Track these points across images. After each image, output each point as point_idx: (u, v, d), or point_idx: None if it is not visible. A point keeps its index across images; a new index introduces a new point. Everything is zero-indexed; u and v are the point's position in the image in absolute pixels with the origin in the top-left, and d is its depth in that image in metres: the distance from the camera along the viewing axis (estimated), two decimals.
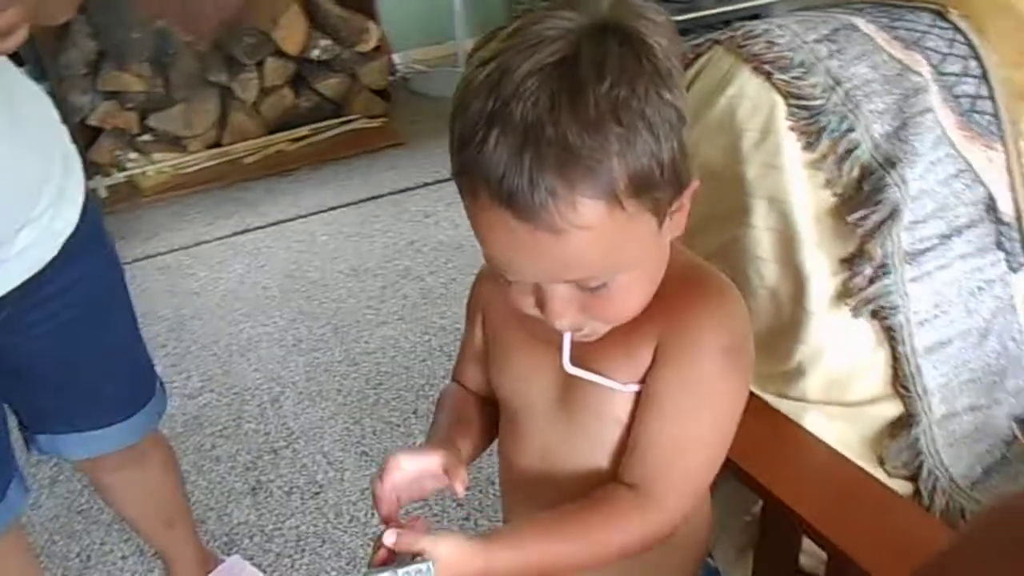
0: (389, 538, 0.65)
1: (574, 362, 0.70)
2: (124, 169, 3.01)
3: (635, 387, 0.69)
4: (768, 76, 0.95)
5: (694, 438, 0.68)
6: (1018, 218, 1.01)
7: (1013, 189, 1.01)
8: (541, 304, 0.62)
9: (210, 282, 2.51)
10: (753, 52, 0.96)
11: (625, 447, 0.70)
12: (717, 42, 1.01)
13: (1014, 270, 1.01)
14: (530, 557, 0.67)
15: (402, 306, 2.35)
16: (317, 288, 2.45)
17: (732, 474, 0.93)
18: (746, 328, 0.69)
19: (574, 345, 0.70)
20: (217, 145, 3.16)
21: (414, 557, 0.65)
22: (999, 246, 1.00)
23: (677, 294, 0.66)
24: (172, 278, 2.54)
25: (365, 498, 1.75)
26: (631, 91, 0.54)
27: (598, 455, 0.73)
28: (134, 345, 1.25)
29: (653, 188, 0.57)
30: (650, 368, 0.68)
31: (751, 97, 0.96)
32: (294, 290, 2.45)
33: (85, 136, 2.99)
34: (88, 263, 1.09)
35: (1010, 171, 1.00)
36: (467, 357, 0.84)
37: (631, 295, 0.63)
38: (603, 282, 0.61)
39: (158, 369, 1.32)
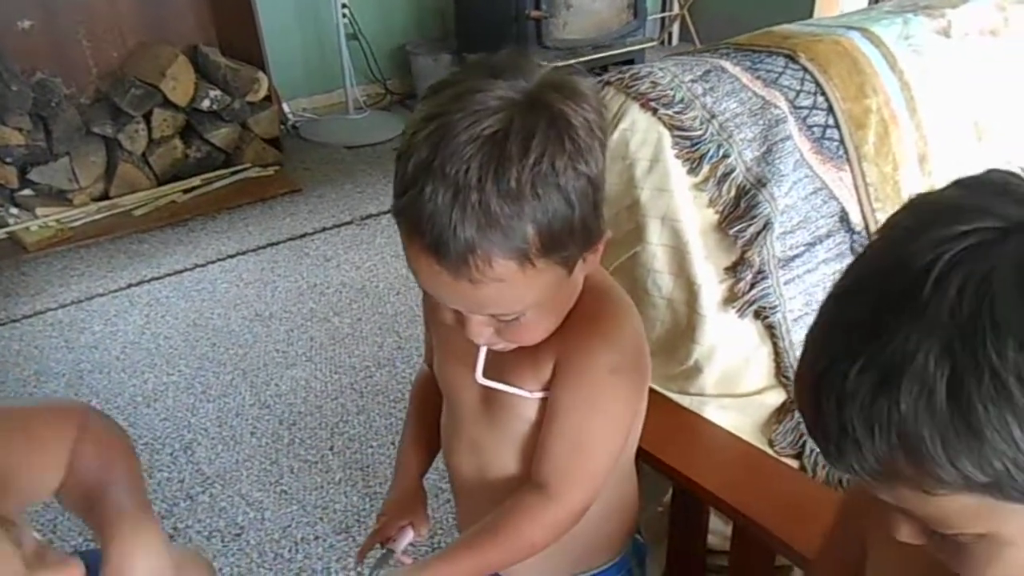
0: None
1: (487, 373, 0.81)
2: (5, 225, 2.90)
3: (541, 394, 0.80)
4: (654, 111, 1.09)
5: (589, 441, 0.79)
6: (866, 227, 1.18)
7: (860, 203, 1.18)
8: (461, 323, 0.72)
9: (107, 335, 2.46)
10: (640, 91, 1.10)
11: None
12: (608, 83, 1.15)
13: None
14: (463, 565, 0.81)
15: (309, 348, 2.38)
16: (222, 335, 2.44)
17: (646, 465, 1.05)
18: (636, 347, 0.80)
19: (488, 355, 0.80)
20: (105, 198, 3.10)
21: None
22: (853, 252, 1.17)
23: (576, 316, 0.77)
24: (66, 333, 2.47)
25: (287, 535, 1.77)
26: (551, 167, 0.62)
27: (517, 448, 0.84)
28: None
29: (563, 248, 0.67)
30: (551, 380, 0.79)
31: (641, 130, 1.09)
32: (198, 338, 2.43)
33: None
34: None
35: (857, 188, 1.18)
36: (427, 347, 0.96)
37: (539, 324, 0.74)
38: (514, 316, 0.71)
39: None
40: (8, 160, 2.89)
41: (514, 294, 0.67)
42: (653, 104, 1.09)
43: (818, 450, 1.13)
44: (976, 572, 0.50)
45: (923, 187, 1.23)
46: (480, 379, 0.81)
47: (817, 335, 0.48)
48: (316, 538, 1.77)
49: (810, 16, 3.90)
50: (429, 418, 0.96)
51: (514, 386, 0.80)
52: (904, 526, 0.51)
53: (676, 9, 4.53)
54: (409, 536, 0.92)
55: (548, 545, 0.81)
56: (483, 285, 0.64)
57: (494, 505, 0.83)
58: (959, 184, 0.47)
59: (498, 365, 0.80)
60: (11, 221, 2.92)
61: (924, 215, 0.46)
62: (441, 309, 0.73)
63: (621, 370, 0.77)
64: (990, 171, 0.48)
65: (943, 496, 0.44)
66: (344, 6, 3.63)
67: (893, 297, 0.44)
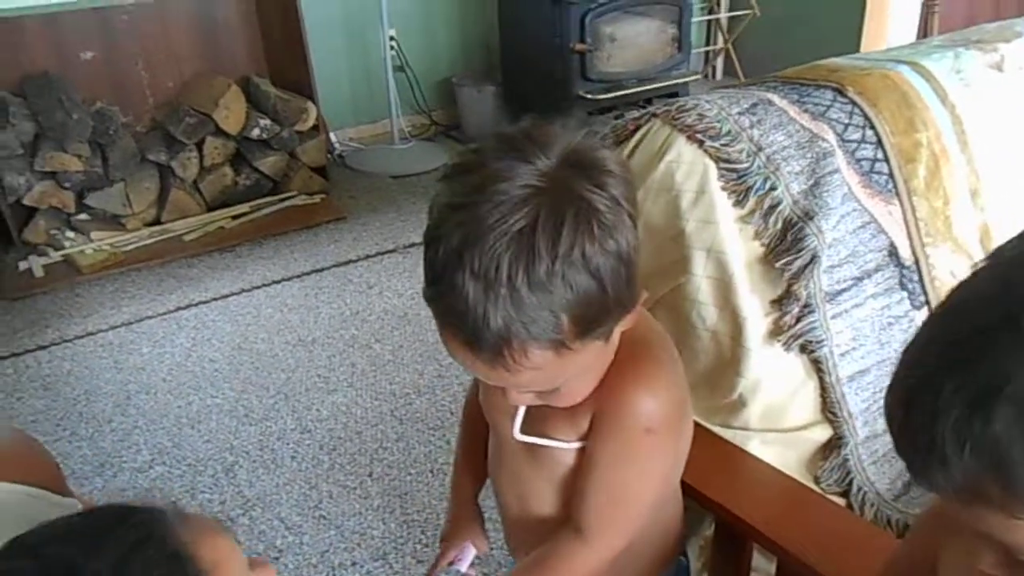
0: None
1: (526, 424, 0.82)
2: (61, 248, 2.99)
3: (578, 444, 0.81)
4: (700, 143, 1.09)
5: (625, 494, 0.81)
6: (916, 262, 1.17)
7: (910, 238, 1.17)
8: (501, 389, 0.73)
9: (155, 357, 2.51)
10: (687, 123, 1.10)
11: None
12: (655, 115, 1.15)
13: (917, 308, 1.17)
14: None
15: (351, 374, 2.40)
16: (265, 359, 2.48)
17: (687, 498, 1.04)
18: (673, 399, 0.80)
19: (528, 409, 0.81)
20: (157, 223, 3.18)
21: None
22: (902, 287, 1.15)
23: (614, 368, 0.76)
24: (115, 354, 2.53)
25: (325, 560, 1.78)
26: (581, 255, 0.62)
27: (555, 487, 0.85)
28: None
29: (598, 326, 0.67)
30: (588, 431, 0.79)
31: (687, 162, 1.10)
32: (242, 362, 2.47)
33: (19, 216, 2.99)
34: None
35: (906, 223, 1.16)
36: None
37: (579, 389, 0.75)
38: (554, 388, 0.72)
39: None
40: (67, 185, 2.99)
41: (551, 374, 0.68)
42: (699, 136, 1.10)
43: (865, 488, 1.11)
44: None
45: (975, 223, 1.21)
46: (518, 435, 0.82)
47: (915, 350, 0.49)
48: (353, 564, 1.77)
49: (856, 51, 3.88)
50: (479, 441, 0.98)
51: (552, 438, 0.81)
52: (987, 553, 0.51)
53: (720, 43, 4.54)
54: (472, 553, 0.97)
55: None
56: (520, 372, 0.65)
57: (534, 532, 0.86)
58: None
59: (537, 418, 0.81)
60: (67, 244, 3.01)
61: None
62: (481, 377, 0.73)
63: (656, 429, 0.77)
64: None
65: None
66: (392, 39, 3.71)
67: (995, 320, 0.44)
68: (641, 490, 0.81)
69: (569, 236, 0.62)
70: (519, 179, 0.63)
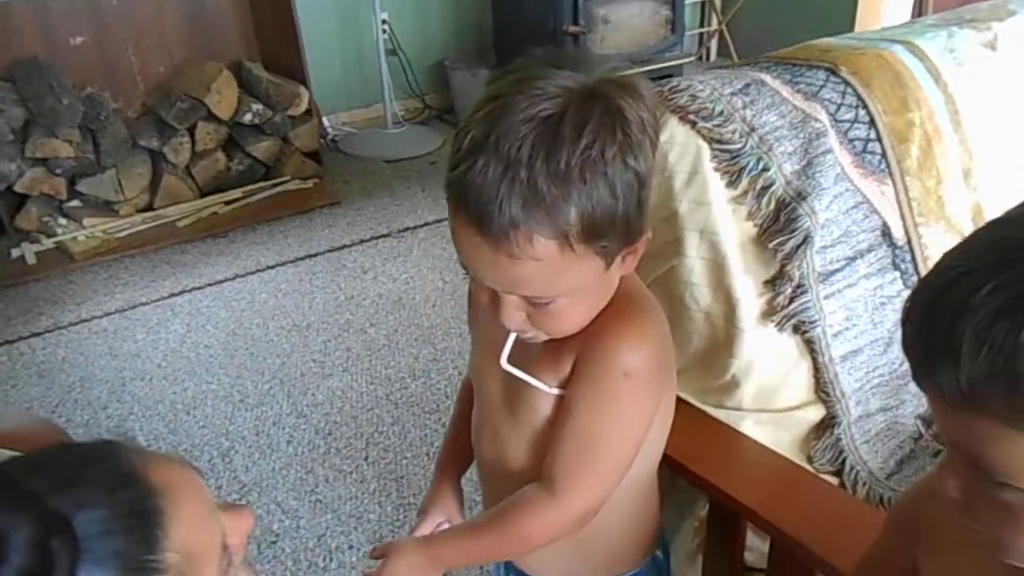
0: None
1: (511, 361, 0.82)
2: (54, 235, 2.98)
3: (558, 391, 0.80)
4: (693, 124, 1.09)
5: (598, 443, 0.79)
6: (908, 242, 1.17)
7: (903, 218, 1.17)
8: (495, 306, 0.73)
9: (150, 343, 2.51)
10: (679, 104, 1.10)
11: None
12: None
13: (909, 287, 1.17)
14: (461, 548, 0.85)
15: (346, 358, 2.40)
16: (260, 345, 2.48)
17: (680, 478, 1.04)
18: (655, 354, 0.79)
19: (514, 347, 0.81)
20: (149, 209, 3.17)
21: None
22: (895, 266, 1.15)
23: (603, 318, 0.77)
24: (110, 341, 2.52)
25: (322, 544, 1.78)
26: (600, 154, 0.64)
27: (534, 442, 0.84)
28: None
29: (603, 237, 0.68)
30: (569, 377, 0.79)
31: (679, 143, 1.09)
32: (237, 348, 2.47)
33: (11, 203, 2.97)
34: None
35: (899, 202, 1.16)
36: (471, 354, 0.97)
37: (570, 315, 0.75)
38: (547, 301, 0.72)
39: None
40: (58, 172, 2.97)
41: (550, 276, 0.68)
42: (692, 117, 1.09)
43: (858, 467, 1.11)
44: (1020, 535, 0.49)
45: (968, 202, 1.21)
46: (504, 364, 0.82)
47: (956, 249, 0.49)
48: (350, 547, 1.78)
49: (851, 29, 3.86)
50: (469, 423, 0.97)
51: (534, 377, 0.81)
52: (952, 480, 0.51)
53: (715, 24, 4.52)
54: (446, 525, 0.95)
55: (545, 543, 0.83)
56: (521, 263, 0.66)
57: (511, 492, 0.84)
58: None
59: (523, 356, 0.81)
60: (59, 231, 3.00)
61: None
62: (478, 291, 0.74)
63: (635, 375, 0.77)
64: None
65: (1021, 435, 0.44)
66: (384, 22, 3.69)
67: None
68: (615, 441, 0.79)
69: (593, 131, 0.64)
70: (558, 80, 0.66)
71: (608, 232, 0.67)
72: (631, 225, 0.70)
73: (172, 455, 0.56)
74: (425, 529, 0.94)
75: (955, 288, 0.45)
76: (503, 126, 0.64)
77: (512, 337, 0.80)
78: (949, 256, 0.49)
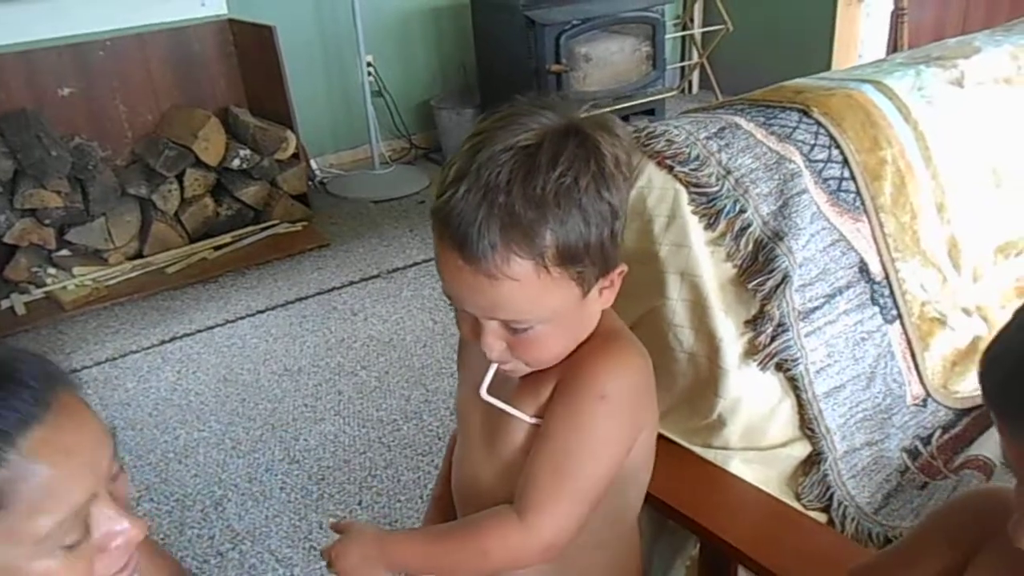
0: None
1: (491, 392, 0.83)
2: (43, 285, 2.98)
3: (535, 420, 0.82)
4: (670, 169, 1.11)
5: (569, 466, 0.78)
6: (886, 277, 1.19)
7: (879, 254, 1.19)
8: (477, 334, 0.76)
9: (140, 392, 2.50)
10: (656, 149, 1.12)
11: None
12: None
13: (888, 322, 1.19)
14: (417, 550, 0.84)
15: (338, 402, 2.40)
16: (251, 390, 2.48)
17: (670, 519, 1.05)
18: (633, 384, 0.81)
19: (495, 379, 0.83)
20: (139, 256, 3.18)
21: None
22: (874, 302, 1.17)
23: (582, 350, 0.80)
24: (100, 391, 2.52)
25: None
26: (574, 182, 0.69)
27: (507, 473, 0.84)
28: None
29: (577, 262, 0.71)
30: (546, 404, 0.81)
31: (658, 187, 1.11)
32: (228, 394, 2.46)
33: (0, 254, 2.98)
34: None
35: (875, 239, 1.18)
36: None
37: (548, 345, 0.77)
38: (526, 327, 0.74)
39: None
40: (47, 222, 2.98)
41: (527, 298, 0.71)
42: (669, 162, 1.11)
43: (846, 503, 1.12)
44: None
45: (942, 236, 1.24)
46: (484, 394, 0.83)
47: None
48: None
49: (828, 60, 3.93)
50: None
51: (513, 407, 0.82)
52: None
53: (695, 58, 4.60)
54: None
55: (503, 565, 0.81)
56: (499, 283, 0.69)
57: None
58: None
59: (503, 388, 0.83)
60: (49, 281, 3.00)
61: None
62: (461, 320, 0.77)
63: (611, 399, 0.78)
64: None
65: None
66: (369, 64, 3.74)
67: None
68: (586, 465, 0.78)
69: (567, 160, 0.69)
70: (539, 117, 0.71)
71: (583, 258, 0.71)
72: (606, 254, 0.73)
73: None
74: None
75: None
76: (484, 156, 0.69)
77: (492, 369, 0.82)
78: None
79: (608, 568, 0.91)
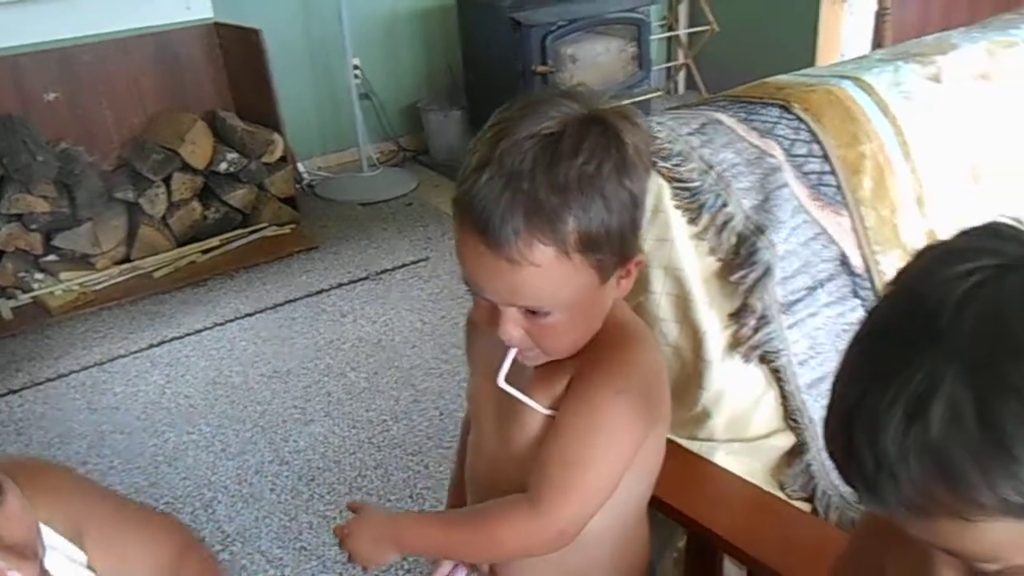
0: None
1: (508, 382, 0.83)
2: (30, 290, 2.97)
3: (551, 411, 0.82)
4: (653, 164, 1.12)
5: (583, 459, 0.79)
6: (867, 270, 1.20)
7: (860, 247, 1.21)
8: (496, 322, 0.76)
9: (129, 396, 2.50)
10: None
11: None
12: None
13: None
14: (429, 534, 0.86)
15: (327, 403, 2.40)
16: (240, 393, 2.48)
17: (657, 511, 1.06)
18: (647, 377, 0.82)
19: (512, 369, 0.83)
20: (126, 261, 3.17)
21: None
22: (855, 295, 1.19)
23: (597, 342, 0.81)
24: (88, 395, 2.51)
25: None
26: (597, 170, 0.70)
27: (521, 463, 0.85)
28: None
29: (598, 249, 0.72)
30: (562, 397, 0.81)
31: None
32: (217, 397, 2.46)
33: None
34: None
35: (856, 232, 1.20)
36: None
37: (566, 332, 0.77)
38: (545, 313, 0.74)
39: None
40: (33, 227, 2.97)
41: (548, 284, 0.71)
42: (652, 157, 1.13)
43: (829, 492, 1.13)
44: None
45: (922, 229, 1.25)
46: (501, 383, 0.83)
47: (844, 376, 0.51)
48: None
49: (813, 57, 3.96)
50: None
51: (529, 397, 0.82)
52: (947, 570, 0.52)
53: (681, 59, 4.62)
54: (462, 573, 0.95)
55: (515, 553, 0.83)
56: (521, 268, 0.70)
57: None
58: (963, 232, 0.51)
59: (519, 377, 0.83)
60: (36, 286, 2.99)
61: (933, 260, 0.50)
62: (478, 309, 0.77)
63: (626, 392, 0.79)
64: (992, 220, 0.51)
65: (982, 523, 0.45)
66: (356, 67, 3.74)
67: (913, 333, 0.46)
68: (600, 458, 0.79)
69: (590, 148, 0.69)
70: (562, 106, 0.72)
71: (603, 245, 0.72)
72: (625, 242, 0.74)
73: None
74: (444, 570, 0.94)
75: (859, 412, 0.47)
76: (507, 143, 0.69)
77: (510, 357, 0.82)
78: (844, 378, 0.51)
79: (616, 557, 0.92)
